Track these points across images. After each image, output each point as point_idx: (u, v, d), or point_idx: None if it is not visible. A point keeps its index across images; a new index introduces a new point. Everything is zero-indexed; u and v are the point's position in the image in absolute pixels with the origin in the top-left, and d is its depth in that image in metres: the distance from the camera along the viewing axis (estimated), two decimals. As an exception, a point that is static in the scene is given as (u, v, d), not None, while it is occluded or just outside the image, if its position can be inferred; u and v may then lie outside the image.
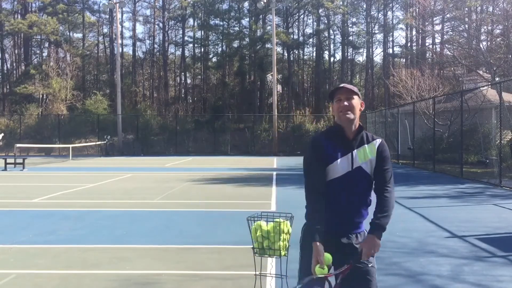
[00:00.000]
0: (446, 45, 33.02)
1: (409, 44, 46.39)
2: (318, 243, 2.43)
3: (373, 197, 2.61)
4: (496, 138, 16.42)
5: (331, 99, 2.62)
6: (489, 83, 20.54)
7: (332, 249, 2.45)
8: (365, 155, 2.55)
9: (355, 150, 2.54)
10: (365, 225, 2.65)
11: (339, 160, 2.51)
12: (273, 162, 24.17)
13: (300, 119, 34.30)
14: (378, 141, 2.61)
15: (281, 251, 3.04)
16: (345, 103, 2.52)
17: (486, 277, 4.68)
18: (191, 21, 48.54)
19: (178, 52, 49.77)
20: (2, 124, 35.22)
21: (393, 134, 23.83)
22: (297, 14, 47.69)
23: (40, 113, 38.07)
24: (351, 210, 2.55)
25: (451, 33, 33.97)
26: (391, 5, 46.06)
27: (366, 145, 2.56)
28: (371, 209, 2.60)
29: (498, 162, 13.03)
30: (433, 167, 17.51)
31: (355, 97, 2.56)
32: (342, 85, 2.59)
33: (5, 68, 47.07)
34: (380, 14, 47.30)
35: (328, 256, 2.43)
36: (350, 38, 46.56)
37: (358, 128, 2.58)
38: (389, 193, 2.54)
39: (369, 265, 2.59)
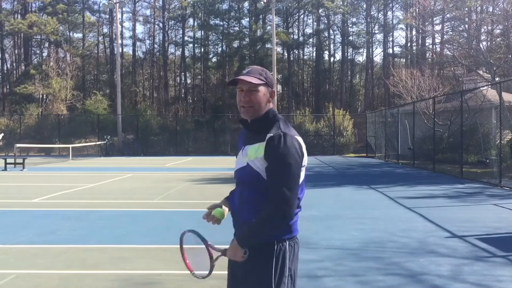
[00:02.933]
0: (446, 45, 33.02)
1: (409, 44, 46.41)
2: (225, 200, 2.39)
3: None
4: (496, 138, 16.41)
5: (234, 85, 2.26)
6: (489, 83, 20.53)
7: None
8: (252, 153, 2.17)
9: (248, 146, 2.21)
10: None
11: (238, 154, 2.30)
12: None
13: (300, 119, 34.28)
14: (268, 135, 2.13)
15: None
16: (245, 97, 2.20)
17: (486, 277, 4.68)
18: (191, 21, 48.57)
19: (178, 52, 49.83)
20: (2, 124, 35.21)
21: (393, 134, 23.83)
22: (297, 14, 47.69)
23: (40, 113, 38.06)
24: (243, 204, 2.23)
25: (451, 33, 33.98)
26: (391, 5, 46.09)
27: (261, 142, 2.15)
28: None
29: (498, 162, 13.02)
30: (433, 167, 17.51)
31: (260, 88, 2.20)
32: (243, 74, 2.21)
33: (5, 68, 47.06)
34: (380, 14, 47.34)
35: (220, 211, 2.36)
36: (350, 38, 46.57)
37: (260, 121, 2.22)
38: (268, 204, 2.08)
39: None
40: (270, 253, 2.14)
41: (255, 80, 2.18)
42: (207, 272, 2.28)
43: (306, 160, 2.21)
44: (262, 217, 2.08)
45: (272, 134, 2.13)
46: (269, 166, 2.10)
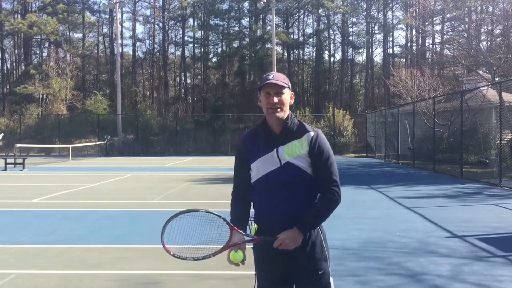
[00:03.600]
0: (446, 45, 33.02)
1: (409, 44, 46.41)
2: (235, 228, 2.41)
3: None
4: (496, 138, 16.41)
5: (259, 90, 2.43)
6: (489, 83, 20.53)
7: (266, 249, 2.39)
8: (293, 151, 2.36)
9: (282, 146, 2.37)
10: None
11: (264, 158, 2.38)
12: (273, 162, 24.12)
13: (300, 119, 33.87)
14: (310, 134, 2.39)
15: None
16: (275, 99, 2.37)
17: (486, 277, 4.68)
18: (191, 21, 48.58)
19: (178, 52, 49.85)
20: (2, 124, 35.23)
21: (393, 134, 23.83)
22: (297, 14, 47.70)
23: (40, 113, 38.08)
24: (286, 204, 2.37)
25: (451, 33, 34.00)
26: (391, 5, 46.08)
27: (296, 140, 2.37)
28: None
29: (498, 162, 13.02)
30: (433, 167, 17.51)
31: (285, 90, 2.40)
32: (271, 79, 2.38)
33: (5, 68, 47.08)
34: (380, 14, 47.35)
35: (240, 254, 2.37)
36: (350, 38, 46.57)
37: (286, 122, 2.40)
38: (327, 194, 2.37)
39: (320, 272, 2.39)
40: (322, 237, 2.47)
41: (281, 83, 2.39)
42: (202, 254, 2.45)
43: None
44: (324, 205, 2.38)
45: (313, 132, 2.40)
46: (319, 160, 2.37)
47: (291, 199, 2.36)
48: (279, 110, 2.37)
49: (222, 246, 2.42)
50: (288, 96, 2.42)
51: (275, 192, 2.38)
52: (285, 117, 2.40)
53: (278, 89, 2.38)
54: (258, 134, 2.46)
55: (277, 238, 2.32)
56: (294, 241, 2.31)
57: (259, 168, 2.41)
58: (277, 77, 2.41)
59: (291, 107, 2.49)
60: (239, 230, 2.40)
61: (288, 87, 2.42)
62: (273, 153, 2.37)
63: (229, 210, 2.56)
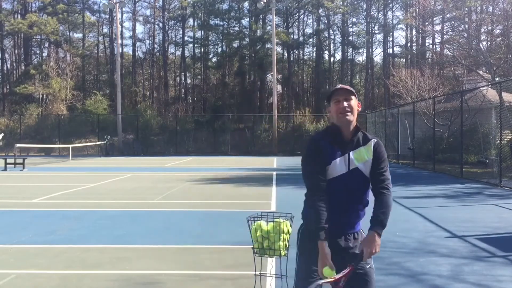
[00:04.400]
0: (446, 45, 33.01)
1: (409, 44, 46.40)
2: (324, 243, 2.39)
3: (371, 198, 2.59)
4: (496, 138, 16.41)
5: (328, 101, 2.58)
6: (489, 83, 20.54)
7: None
8: (361, 156, 2.51)
9: (352, 152, 2.51)
10: (361, 226, 2.63)
11: (337, 161, 2.48)
12: (273, 162, 24.17)
13: (300, 119, 34.29)
14: (373, 141, 2.56)
15: (281, 251, 3.04)
16: (345, 104, 2.49)
17: (486, 277, 4.68)
18: (191, 21, 48.56)
19: (178, 52, 49.82)
20: (2, 124, 35.23)
21: (393, 134, 23.83)
22: (297, 14, 47.69)
23: (40, 113, 38.08)
24: (348, 211, 2.51)
25: (451, 33, 33.99)
26: (391, 5, 46.06)
27: (362, 147, 2.53)
28: (369, 210, 2.58)
29: (498, 162, 13.03)
30: (433, 167, 17.51)
31: (353, 97, 2.54)
32: (339, 86, 2.56)
33: (5, 68, 47.07)
34: (380, 14, 47.32)
35: (329, 271, 2.36)
36: (350, 38, 46.56)
37: (355, 129, 2.55)
38: (388, 192, 2.51)
39: (367, 266, 2.54)
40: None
41: (350, 89, 2.57)
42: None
43: None
44: (389, 201, 2.51)
45: (376, 140, 2.59)
46: (382, 164, 2.54)
47: (352, 203, 2.52)
48: (349, 113, 2.49)
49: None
50: (355, 103, 2.54)
51: (340, 195, 2.50)
52: (354, 122, 2.53)
53: (347, 95, 2.52)
54: (331, 137, 2.55)
55: (360, 255, 2.43)
56: (379, 245, 2.43)
57: (332, 171, 2.49)
58: (344, 86, 2.58)
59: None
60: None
61: (355, 95, 2.56)
62: (345, 157, 2.50)
63: (305, 213, 2.54)
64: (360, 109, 2.60)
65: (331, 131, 2.56)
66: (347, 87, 2.55)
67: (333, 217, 2.46)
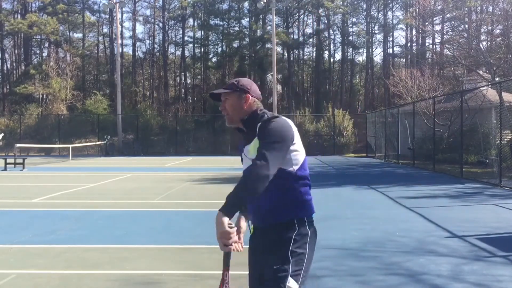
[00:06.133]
0: (446, 45, 33.02)
1: (409, 44, 46.41)
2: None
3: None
4: (496, 138, 16.41)
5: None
6: (489, 83, 20.53)
7: None
8: (253, 148, 2.28)
9: (247, 145, 2.36)
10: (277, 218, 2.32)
11: (242, 157, 2.44)
12: (273, 162, 24.11)
13: (300, 119, 34.29)
14: (258, 125, 2.28)
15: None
16: (221, 106, 2.43)
17: (486, 277, 4.68)
18: (191, 21, 48.56)
19: (178, 52, 49.81)
20: (2, 124, 35.21)
21: (393, 134, 23.83)
22: (297, 14, 47.68)
23: (40, 113, 38.07)
24: (260, 205, 2.30)
25: (451, 33, 34.02)
26: (391, 5, 46.07)
27: (255, 136, 2.29)
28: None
29: (498, 162, 13.03)
30: (433, 167, 17.51)
31: (229, 97, 2.39)
32: (213, 91, 2.47)
33: (5, 68, 47.06)
34: (380, 14, 47.33)
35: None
36: (350, 38, 46.56)
37: (249, 120, 2.36)
38: (248, 170, 2.16)
39: (274, 267, 2.22)
40: (288, 231, 2.25)
41: (216, 91, 2.42)
42: None
43: (297, 138, 2.30)
44: (240, 183, 2.12)
45: (260, 123, 2.28)
46: (259, 144, 2.20)
47: (263, 194, 2.21)
48: (226, 116, 2.42)
49: None
50: (233, 102, 2.39)
51: None
52: (238, 119, 2.39)
53: (223, 97, 2.42)
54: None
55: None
56: (216, 222, 2.06)
57: (243, 166, 2.44)
58: (227, 84, 2.44)
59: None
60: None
61: (235, 90, 2.38)
62: (243, 152, 2.41)
63: None
64: (248, 102, 2.38)
65: (238, 129, 2.48)
66: (216, 90, 2.43)
67: (250, 206, 2.37)
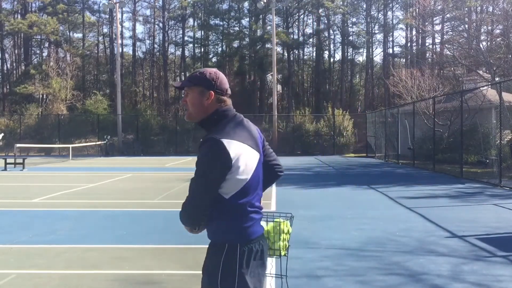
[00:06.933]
0: (446, 45, 33.02)
1: (409, 44, 46.40)
2: None
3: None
4: (496, 138, 16.41)
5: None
6: (489, 83, 20.54)
7: None
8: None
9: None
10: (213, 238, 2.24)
11: None
12: (273, 162, 24.12)
13: (300, 119, 34.28)
14: (201, 140, 2.13)
15: (281, 251, 3.04)
16: (182, 100, 2.23)
17: (486, 277, 4.68)
18: (191, 21, 48.57)
19: (178, 52, 49.83)
20: (2, 124, 35.20)
21: (393, 134, 23.82)
22: (297, 14, 47.69)
23: (40, 113, 38.06)
24: None
25: (451, 33, 34.00)
26: (391, 5, 46.07)
27: None
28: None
29: (498, 162, 13.03)
30: (433, 167, 17.51)
31: (191, 91, 2.17)
32: (172, 82, 2.28)
33: (5, 68, 47.07)
34: (380, 14, 47.33)
35: None
36: (350, 38, 46.56)
37: (204, 123, 2.20)
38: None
39: None
40: (220, 254, 2.12)
41: (176, 84, 2.21)
42: None
43: (241, 162, 2.09)
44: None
45: (202, 140, 2.10)
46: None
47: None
48: (187, 113, 2.24)
49: None
50: (194, 96, 2.17)
51: None
52: (198, 120, 2.21)
53: (185, 90, 2.21)
54: None
55: None
56: None
57: None
58: (191, 75, 2.22)
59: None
60: None
61: (199, 85, 2.16)
62: None
63: None
64: (210, 100, 2.16)
65: None
66: (177, 83, 2.22)
67: None
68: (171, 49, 49.95)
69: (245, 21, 46.46)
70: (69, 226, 7.28)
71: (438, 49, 39.58)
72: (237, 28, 46.08)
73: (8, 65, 48.03)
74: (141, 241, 6.23)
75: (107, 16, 46.57)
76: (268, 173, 2.44)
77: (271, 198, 10.34)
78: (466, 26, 26.68)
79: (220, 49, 48.36)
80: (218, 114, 2.17)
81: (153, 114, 39.12)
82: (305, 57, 50.42)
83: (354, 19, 47.28)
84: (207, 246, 2.22)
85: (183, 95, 2.26)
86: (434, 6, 32.43)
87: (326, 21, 46.69)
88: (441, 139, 20.64)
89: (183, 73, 49.71)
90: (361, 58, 51.08)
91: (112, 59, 43.94)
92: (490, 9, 29.32)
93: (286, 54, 46.66)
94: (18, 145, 23.23)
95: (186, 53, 49.03)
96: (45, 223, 7.48)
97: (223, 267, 2.10)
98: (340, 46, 47.71)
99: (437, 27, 39.52)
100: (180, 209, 2.17)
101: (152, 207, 9.22)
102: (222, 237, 2.15)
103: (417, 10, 35.79)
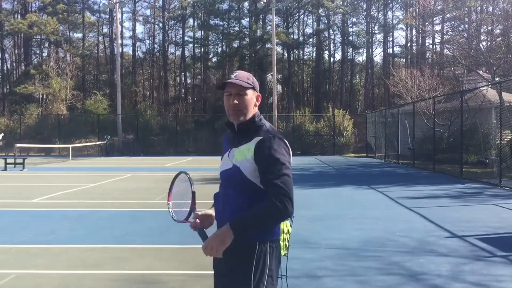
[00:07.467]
0: (446, 45, 33.03)
1: (409, 44, 46.39)
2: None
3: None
4: (496, 138, 16.41)
5: (222, 89, 2.32)
6: (489, 83, 20.54)
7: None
8: (242, 154, 2.23)
9: (235, 148, 2.28)
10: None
11: (226, 155, 2.36)
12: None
13: (300, 119, 34.29)
14: (258, 138, 2.21)
15: (281, 251, 3.04)
16: (235, 101, 2.25)
17: (486, 276, 4.68)
18: (191, 21, 48.55)
19: (178, 52, 49.81)
20: (2, 124, 35.22)
21: (393, 134, 23.82)
22: (297, 14, 47.68)
23: (40, 113, 38.08)
24: (224, 209, 2.30)
25: (451, 33, 34.00)
26: (391, 5, 46.07)
27: (248, 143, 2.23)
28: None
29: (498, 162, 13.03)
30: (433, 167, 17.51)
31: (249, 91, 2.27)
32: (232, 78, 2.27)
33: (5, 68, 47.07)
34: (380, 14, 47.32)
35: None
36: (350, 38, 46.55)
37: (247, 124, 2.28)
38: (273, 199, 2.10)
39: None
40: (252, 253, 2.17)
41: (244, 84, 2.25)
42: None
43: (292, 161, 2.30)
44: (265, 208, 2.11)
45: (262, 137, 2.20)
46: (264, 166, 2.16)
47: (231, 201, 2.26)
48: (238, 112, 2.26)
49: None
50: (250, 98, 2.28)
51: (223, 191, 2.36)
52: (247, 119, 2.28)
53: (239, 90, 2.25)
54: (228, 133, 2.43)
55: (203, 234, 2.27)
56: (218, 238, 2.09)
57: (220, 166, 2.41)
58: (241, 76, 2.27)
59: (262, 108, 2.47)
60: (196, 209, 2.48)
61: (252, 88, 2.29)
62: (228, 154, 2.34)
63: None
64: (259, 102, 2.33)
65: (229, 126, 2.39)
66: (242, 80, 2.26)
67: (217, 208, 2.41)
68: (171, 49, 50.01)
69: (245, 21, 46.50)
70: (69, 226, 7.28)
71: (438, 49, 39.59)
72: (237, 28, 46.08)
73: (8, 65, 48.06)
74: (141, 241, 6.23)
75: (107, 16, 46.59)
76: None
77: (271, 198, 10.34)
78: (466, 26, 26.69)
79: (220, 49, 48.40)
80: (258, 116, 2.32)
81: (153, 114, 39.12)
82: (305, 57, 50.45)
83: (354, 19, 47.31)
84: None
85: (225, 94, 2.30)
86: (434, 6, 32.41)
87: (326, 21, 46.69)
88: (441, 139, 20.64)
89: (183, 73, 49.73)
90: (361, 58, 51.12)
91: (112, 59, 43.95)
92: (490, 9, 29.35)
93: (286, 54, 46.66)
94: (18, 145, 23.24)
95: (186, 53, 49.07)
96: (45, 223, 7.48)
97: (256, 265, 2.16)
98: (340, 46, 47.73)
99: (437, 27, 39.54)
100: (279, 203, 2.10)
101: (152, 207, 9.22)
102: (254, 235, 2.16)
103: (417, 10, 35.80)
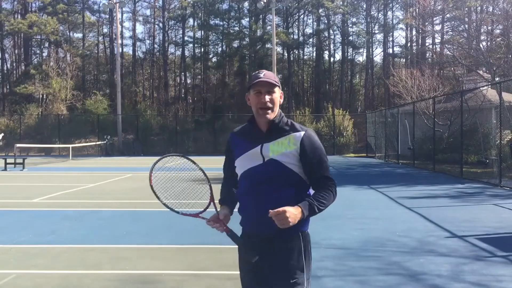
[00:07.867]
0: (446, 45, 33.02)
1: (409, 44, 46.39)
2: (222, 206, 2.63)
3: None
4: (496, 138, 16.41)
5: (249, 88, 2.39)
6: (489, 83, 20.54)
7: (242, 251, 2.45)
8: (280, 148, 2.31)
9: (268, 143, 2.33)
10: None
11: (248, 153, 2.36)
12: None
13: (300, 119, 34.28)
14: (301, 133, 2.34)
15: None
16: (267, 98, 2.33)
17: (486, 276, 4.68)
18: (191, 21, 48.56)
19: (178, 52, 49.83)
20: (2, 124, 35.22)
21: (393, 134, 23.82)
22: (297, 14, 47.69)
23: (40, 113, 38.08)
24: (263, 207, 2.25)
25: (451, 33, 34.00)
26: (391, 5, 46.07)
27: (282, 138, 2.32)
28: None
29: (498, 162, 13.02)
30: (433, 167, 17.51)
31: (276, 89, 2.37)
32: (262, 77, 2.32)
33: (5, 68, 47.08)
34: (380, 14, 47.33)
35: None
36: (350, 38, 46.55)
37: (273, 121, 2.36)
38: (330, 188, 2.30)
39: (291, 281, 2.27)
40: (302, 244, 2.34)
41: (273, 82, 2.35)
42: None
43: None
44: (326, 194, 2.29)
45: (304, 131, 2.36)
46: (316, 160, 2.33)
47: (274, 194, 2.28)
48: (269, 111, 2.34)
49: (197, 210, 2.64)
50: (278, 95, 2.39)
51: (257, 188, 2.33)
52: (274, 114, 2.37)
53: (269, 88, 2.34)
54: (245, 131, 2.46)
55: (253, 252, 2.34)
56: (292, 217, 2.12)
57: (243, 164, 2.40)
58: (268, 75, 2.36)
59: (282, 106, 2.48)
60: (216, 208, 2.55)
61: (279, 86, 2.39)
62: (257, 149, 2.34)
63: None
64: (282, 100, 2.44)
65: (248, 125, 2.45)
66: (271, 78, 2.33)
67: (251, 206, 2.38)
68: (171, 49, 50.02)
69: (245, 21, 46.50)
70: (69, 226, 7.28)
71: (438, 49, 39.57)
72: (237, 28, 46.08)
73: (8, 65, 48.07)
74: (141, 241, 6.23)
75: (107, 16, 46.59)
76: None
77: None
78: (466, 26, 26.68)
79: (220, 49, 48.40)
80: (282, 113, 2.45)
81: (153, 114, 39.12)
82: (305, 57, 50.46)
83: (354, 19, 47.30)
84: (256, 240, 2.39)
85: (251, 93, 2.38)
86: (434, 6, 32.41)
87: (326, 21, 46.69)
88: (441, 139, 20.64)
89: (183, 73, 49.72)
90: (361, 58, 51.14)
91: (112, 59, 43.95)
92: (490, 9, 29.34)
93: (286, 54, 46.66)
94: (18, 145, 23.24)
95: (186, 53, 49.07)
96: (45, 223, 7.48)
97: (305, 253, 2.35)
98: (340, 46, 47.73)
99: (437, 27, 39.54)
100: (335, 193, 2.34)
101: (152, 207, 9.22)
102: (296, 226, 2.23)
103: (417, 10, 35.79)
